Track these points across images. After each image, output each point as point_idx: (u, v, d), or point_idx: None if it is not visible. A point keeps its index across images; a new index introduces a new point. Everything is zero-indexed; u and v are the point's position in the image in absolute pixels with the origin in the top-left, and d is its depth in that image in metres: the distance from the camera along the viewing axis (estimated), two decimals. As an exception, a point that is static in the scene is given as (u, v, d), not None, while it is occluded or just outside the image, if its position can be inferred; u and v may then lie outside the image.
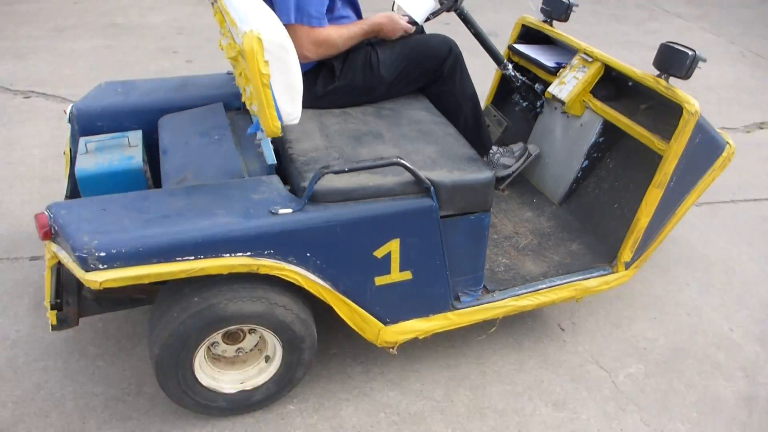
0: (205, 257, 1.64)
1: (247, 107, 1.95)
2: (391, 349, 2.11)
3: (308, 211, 1.75)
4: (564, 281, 2.27)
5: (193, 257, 1.62)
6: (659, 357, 2.44)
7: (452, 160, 2.02)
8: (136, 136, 2.25)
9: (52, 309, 1.82)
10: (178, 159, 2.08)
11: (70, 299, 1.87)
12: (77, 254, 1.55)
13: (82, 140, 2.22)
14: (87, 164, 2.11)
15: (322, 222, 1.75)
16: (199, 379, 1.89)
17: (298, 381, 2.05)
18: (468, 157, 2.04)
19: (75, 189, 2.24)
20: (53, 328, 1.87)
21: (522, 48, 2.87)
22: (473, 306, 2.13)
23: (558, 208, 2.70)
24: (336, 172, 1.77)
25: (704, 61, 2.09)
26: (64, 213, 1.66)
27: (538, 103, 2.84)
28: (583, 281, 2.29)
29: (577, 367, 2.36)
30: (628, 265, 2.36)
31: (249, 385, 1.99)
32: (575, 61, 2.60)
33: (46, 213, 1.67)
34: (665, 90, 2.18)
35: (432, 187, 1.87)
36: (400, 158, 1.82)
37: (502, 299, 2.16)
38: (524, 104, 2.86)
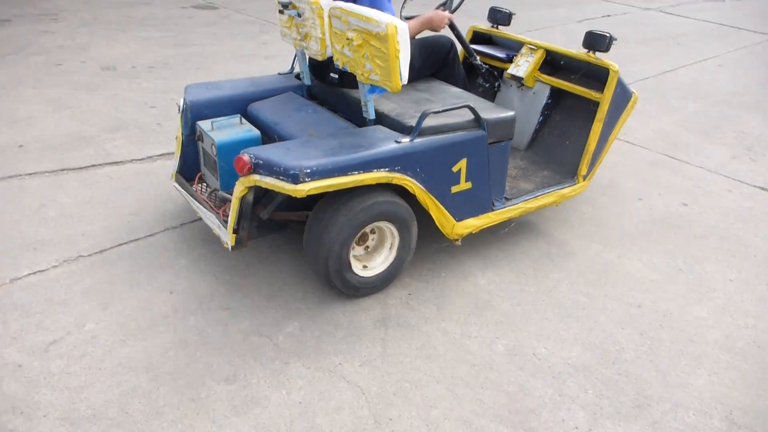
0: (364, 172, 2.45)
1: (361, 77, 2.66)
2: (457, 242, 3.00)
3: (416, 141, 2.60)
4: (548, 191, 3.25)
5: (357, 172, 2.43)
6: (309, 311, 2.76)
7: (485, 108, 2.93)
8: (240, 118, 3.04)
9: (233, 233, 2.60)
10: (293, 125, 2.89)
11: (244, 225, 2.61)
12: (291, 172, 2.31)
13: (201, 122, 2.98)
14: (221, 136, 2.85)
15: (425, 147, 2.62)
16: (354, 269, 2.69)
17: (407, 264, 2.88)
18: (493, 106, 3.00)
19: (184, 165, 3.16)
20: (232, 248, 2.64)
21: (478, 47, 3.86)
22: (503, 208, 3.05)
23: (525, 152, 3.70)
24: (436, 113, 2.70)
25: (616, 39, 3.20)
26: (262, 153, 2.42)
27: (497, 84, 3.81)
28: (560, 190, 3.29)
29: (240, 342, 2.56)
30: (585, 177, 3.40)
31: (376, 271, 2.79)
32: (524, 50, 3.65)
33: (246, 155, 2.40)
34: (596, 60, 3.28)
35: (484, 123, 2.79)
36: (468, 103, 2.76)
37: (517, 204, 3.11)
38: (486, 85, 3.77)
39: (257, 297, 2.80)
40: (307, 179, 2.32)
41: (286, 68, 3.85)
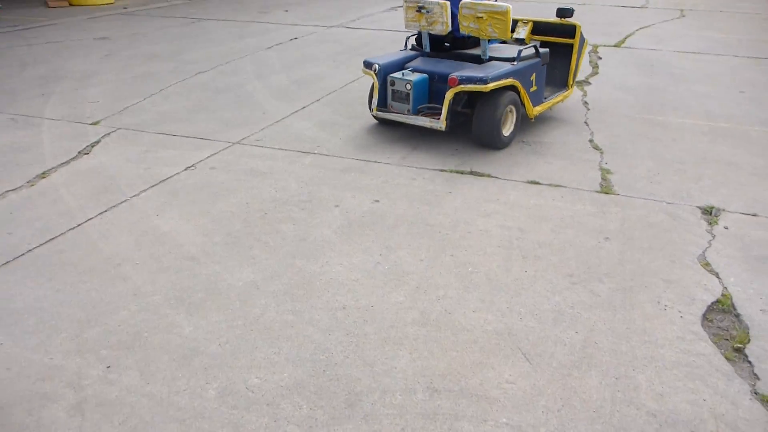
0: (505, 79, 4.66)
1: (484, 36, 4.82)
2: (532, 119, 5.25)
3: (517, 64, 4.83)
4: (557, 94, 5.58)
5: (503, 79, 4.63)
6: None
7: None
8: (411, 71, 5.06)
9: (445, 121, 4.77)
10: (442, 67, 4.97)
11: (448, 116, 4.77)
12: (482, 79, 4.51)
13: (393, 75, 5.00)
14: (412, 79, 4.90)
15: (520, 67, 4.84)
16: (504, 132, 4.92)
17: (518, 128, 5.14)
18: (535, 47, 5.19)
19: (384, 100, 5.14)
20: (444, 129, 4.82)
21: None
22: (545, 102, 5.36)
23: None
24: (529, 46, 5.11)
25: (574, 10, 5.46)
26: (461, 74, 4.61)
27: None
28: (562, 94, 5.64)
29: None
30: (570, 86, 5.74)
31: (511, 129, 5.01)
32: (519, 24, 5.63)
33: (455, 75, 4.56)
34: (567, 21, 5.50)
35: (541, 54, 5.10)
36: (536, 43, 5.28)
37: (551, 99, 5.45)
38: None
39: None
40: (489, 82, 4.55)
41: None
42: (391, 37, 9.72)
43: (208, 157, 4.85)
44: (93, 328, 2.89)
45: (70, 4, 13.31)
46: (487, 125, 4.78)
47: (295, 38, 9.60)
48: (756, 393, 2.49)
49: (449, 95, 4.66)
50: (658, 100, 6.38)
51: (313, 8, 12.88)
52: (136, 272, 3.32)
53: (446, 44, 5.37)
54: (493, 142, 4.88)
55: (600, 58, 8.43)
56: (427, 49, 5.34)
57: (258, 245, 3.59)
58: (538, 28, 5.72)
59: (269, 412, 2.39)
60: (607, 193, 4.21)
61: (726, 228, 3.76)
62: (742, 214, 3.94)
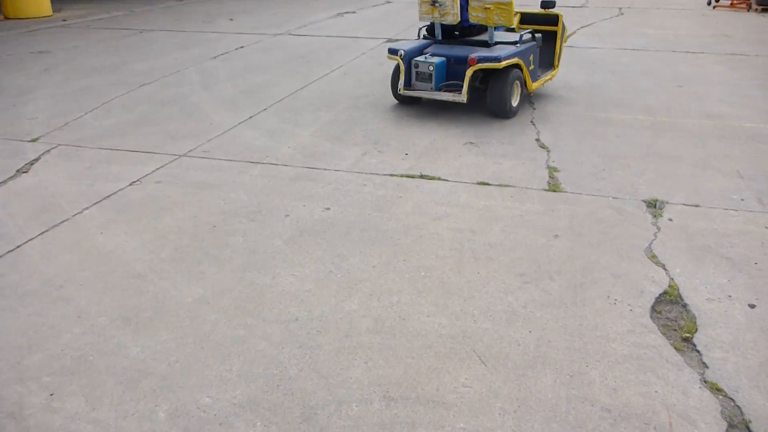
0: (512, 59, 5.59)
1: (491, 23, 5.67)
2: (531, 94, 6.53)
3: (520, 46, 5.76)
4: (548, 72, 6.49)
5: (511, 59, 5.57)
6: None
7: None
8: (432, 54, 5.93)
9: (466, 94, 5.63)
10: (456, 51, 5.85)
11: (468, 90, 5.62)
12: (496, 58, 5.47)
13: (416, 58, 5.82)
14: (434, 60, 5.76)
15: (522, 48, 5.77)
16: (512, 103, 5.85)
17: (524, 97, 6.25)
18: (532, 33, 6.16)
19: (408, 81, 5.95)
20: (465, 102, 5.65)
21: None
22: (539, 79, 6.25)
23: None
24: (527, 32, 6.04)
25: (555, 2, 6.36)
26: (479, 55, 5.51)
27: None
28: (551, 73, 6.52)
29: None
30: (556, 67, 6.62)
31: (517, 101, 5.97)
32: None
33: (474, 56, 5.48)
34: (551, 12, 6.41)
35: (537, 38, 6.11)
36: (532, 30, 6.18)
37: (543, 77, 6.33)
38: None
39: None
40: (502, 61, 5.44)
41: None
42: (337, 42, 9.70)
43: (153, 171, 4.73)
44: (35, 354, 2.77)
45: (6, 18, 12.87)
46: (499, 97, 5.73)
47: (241, 47, 9.48)
48: (705, 381, 2.54)
49: (469, 72, 5.57)
50: (601, 98, 6.52)
51: (258, 16, 12.76)
52: (80, 293, 3.21)
53: (456, 33, 6.25)
54: (504, 112, 5.80)
55: (544, 57, 8.57)
56: (439, 37, 6.23)
57: (207, 260, 3.51)
58: (525, 18, 6.71)
59: (222, 432, 2.32)
60: (555, 191, 4.27)
61: (670, 220, 3.85)
62: (685, 205, 4.04)
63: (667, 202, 4.08)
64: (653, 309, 3.00)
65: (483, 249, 3.56)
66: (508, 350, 2.73)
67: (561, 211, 3.99)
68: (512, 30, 6.45)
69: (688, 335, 2.80)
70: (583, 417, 2.37)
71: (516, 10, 6.30)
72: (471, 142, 5.23)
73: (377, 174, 4.61)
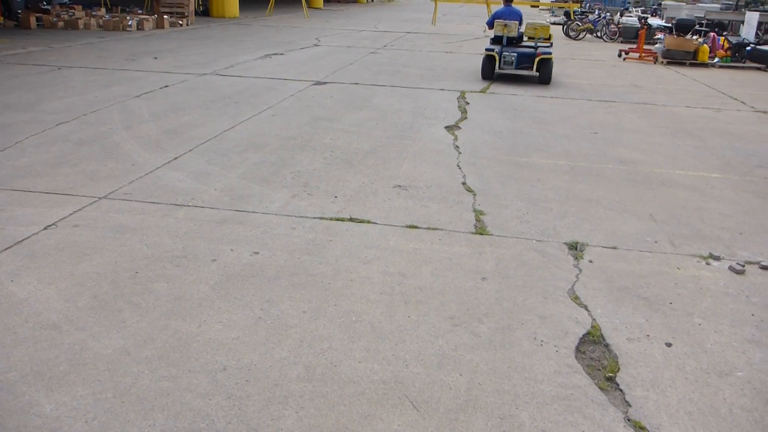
0: (552, 54, 11.04)
1: (537, 36, 11.11)
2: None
3: (550, 48, 11.06)
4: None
5: (550, 55, 10.81)
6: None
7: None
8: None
9: (534, 70, 10.77)
10: (521, 49, 10.91)
11: (535, 67, 10.71)
12: (548, 51, 10.73)
13: (504, 52, 10.86)
14: (514, 53, 10.94)
15: (552, 50, 11.13)
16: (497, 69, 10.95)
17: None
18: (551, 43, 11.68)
19: (498, 66, 10.92)
20: (534, 72, 10.85)
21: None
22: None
23: None
24: (550, 43, 11.39)
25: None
26: (540, 50, 10.74)
27: None
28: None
29: None
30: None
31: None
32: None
33: (539, 51, 10.66)
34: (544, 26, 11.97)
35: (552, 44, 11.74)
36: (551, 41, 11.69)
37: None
38: None
39: None
40: (551, 54, 10.68)
41: None
42: (265, 84, 9.70)
43: (70, 214, 4.52)
44: (-67, 415, 2.55)
45: None
46: (548, 73, 10.66)
47: (166, 86, 9.32)
48: (629, 420, 2.62)
49: (537, 59, 10.48)
50: (522, 143, 6.78)
51: (183, 56, 12.62)
52: (-13, 347, 2.99)
53: (514, 41, 10.86)
54: (549, 80, 10.76)
55: (468, 103, 8.87)
56: (505, 44, 10.75)
57: (128, 307, 3.36)
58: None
59: (144, 493, 2.19)
60: (481, 234, 4.37)
61: (591, 262, 4.01)
62: (604, 247, 4.22)
63: (587, 245, 4.24)
64: (577, 349, 3.09)
65: (413, 292, 3.58)
66: (439, 394, 2.74)
67: (488, 253, 4.08)
68: (546, 39, 11.11)
69: (611, 375, 2.89)
70: (515, 461, 2.39)
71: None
72: (399, 185, 5.31)
73: (307, 217, 4.58)
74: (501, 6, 11.42)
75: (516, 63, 10.51)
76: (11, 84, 9.17)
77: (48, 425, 2.51)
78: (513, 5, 11.31)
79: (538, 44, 10.72)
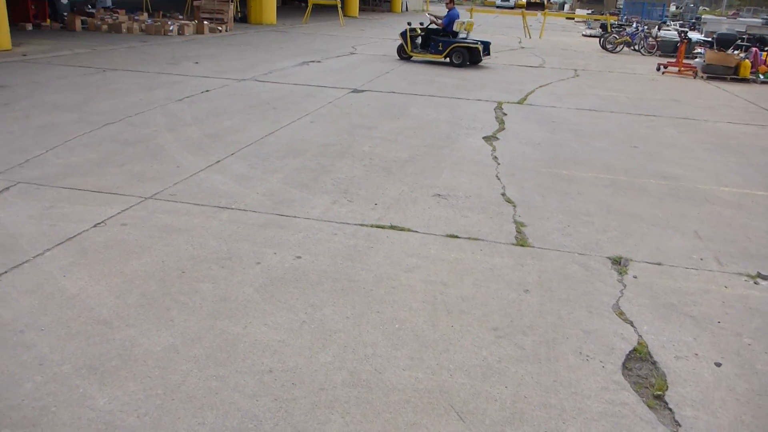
0: (478, 45, 14.30)
1: (465, 31, 14.35)
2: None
3: (476, 40, 14.85)
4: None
5: (475, 44, 14.11)
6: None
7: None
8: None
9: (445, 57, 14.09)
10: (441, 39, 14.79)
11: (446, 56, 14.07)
12: (475, 41, 14.34)
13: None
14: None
15: (476, 42, 14.42)
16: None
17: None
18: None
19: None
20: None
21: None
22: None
23: None
24: (476, 40, 14.73)
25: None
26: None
27: None
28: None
29: None
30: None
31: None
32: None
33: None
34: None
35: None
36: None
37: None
38: None
39: None
40: (479, 44, 14.02)
41: None
42: (303, 91, 9.80)
43: (118, 213, 4.63)
44: (-9, 405, 2.63)
45: (-39, 50, 12.56)
46: (476, 56, 13.73)
47: (207, 90, 9.48)
48: (677, 439, 2.58)
49: (453, 46, 13.71)
50: (562, 155, 6.74)
51: (223, 61, 12.82)
52: (42, 339, 3.07)
53: (441, 33, 13.77)
54: (476, 62, 14.01)
55: (505, 114, 8.84)
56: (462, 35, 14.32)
57: (176, 306, 3.42)
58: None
59: (195, 490, 2.23)
60: (522, 246, 4.35)
61: (635, 277, 3.96)
62: (648, 263, 4.17)
63: (630, 260, 4.20)
64: (624, 366, 3.05)
65: (455, 302, 3.58)
66: (485, 406, 2.73)
67: (530, 265, 4.06)
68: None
69: (659, 393, 2.85)
70: (563, 475, 2.37)
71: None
72: (439, 194, 5.31)
73: (347, 223, 4.62)
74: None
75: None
76: (59, 85, 9.42)
77: (101, 418, 2.56)
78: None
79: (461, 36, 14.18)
